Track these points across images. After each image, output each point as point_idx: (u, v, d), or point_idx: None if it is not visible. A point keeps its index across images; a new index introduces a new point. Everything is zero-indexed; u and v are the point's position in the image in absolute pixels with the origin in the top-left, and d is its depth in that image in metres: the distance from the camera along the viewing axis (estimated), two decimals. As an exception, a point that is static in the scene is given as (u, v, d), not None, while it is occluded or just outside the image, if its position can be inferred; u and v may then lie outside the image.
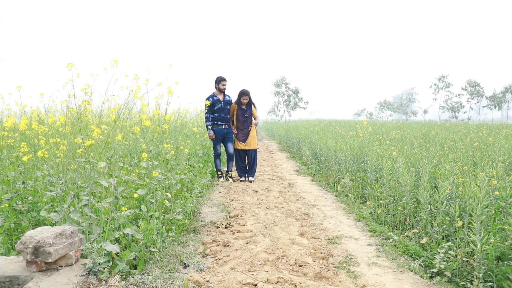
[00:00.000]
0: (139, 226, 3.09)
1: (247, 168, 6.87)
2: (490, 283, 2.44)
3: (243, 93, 6.61)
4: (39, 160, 3.48)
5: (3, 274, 2.21)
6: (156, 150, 4.25)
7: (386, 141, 7.55)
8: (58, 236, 2.30)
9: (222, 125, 6.57)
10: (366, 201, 4.99)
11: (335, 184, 6.09)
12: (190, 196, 4.52)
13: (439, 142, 7.65)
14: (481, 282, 2.45)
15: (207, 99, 6.49)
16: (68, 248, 2.35)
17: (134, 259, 2.78)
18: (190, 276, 2.61)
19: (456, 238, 2.98)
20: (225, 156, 7.21)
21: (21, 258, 2.39)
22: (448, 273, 2.65)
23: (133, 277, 2.53)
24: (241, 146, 6.74)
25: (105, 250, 2.51)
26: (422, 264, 2.92)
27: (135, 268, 2.73)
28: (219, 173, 6.77)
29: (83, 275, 2.31)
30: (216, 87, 6.57)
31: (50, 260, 2.21)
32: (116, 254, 2.66)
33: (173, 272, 2.69)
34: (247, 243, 3.40)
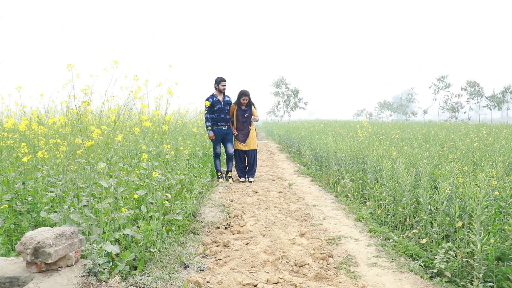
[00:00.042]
0: (139, 227, 3.09)
1: (247, 168, 6.87)
2: (490, 284, 2.45)
3: (243, 94, 6.61)
4: (39, 161, 3.48)
5: (3, 275, 2.21)
6: (156, 150, 4.25)
7: (386, 142, 7.55)
8: (58, 237, 2.30)
9: (221, 125, 6.58)
10: (366, 202, 4.99)
11: (335, 184, 6.09)
12: (190, 197, 4.52)
13: (438, 142, 7.66)
14: (481, 283, 2.46)
15: (207, 99, 6.49)
16: (68, 249, 2.35)
17: (134, 259, 2.78)
18: (190, 277, 2.61)
19: (456, 239, 2.98)
20: (225, 157, 7.21)
21: (21, 259, 2.39)
22: (448, 274, 2.65)
23: (133, 277, 2.53)
24: (241, 146, 6.74)
25: (105, 250, 2.51)
26: (422, 265, 2.92)
27: (135, 268, 2.73)
28: (219, 173, 6.77)
29: (83, 276, 2.31)
30: (216, 88, 6.57)
31: (50, 261, 2.21)
32: (116, 254, 2.66)
33: (173, 273, 2.69)
34: (247, 243, 3.40)
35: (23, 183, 3.29)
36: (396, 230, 3.86)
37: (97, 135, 2.91)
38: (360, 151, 6.29)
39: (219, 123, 6.56)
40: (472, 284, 2.54)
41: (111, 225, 2.85)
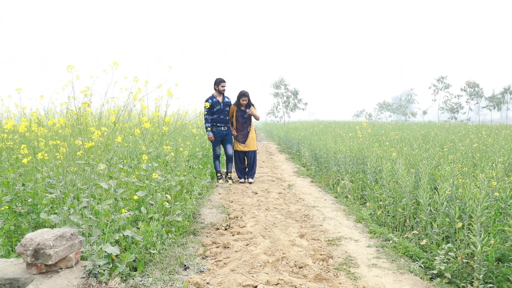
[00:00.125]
0: (139, 228, 3.09)
1: (247, 169, 6.87)
2: (490, 285, 2.45)
3: (242, 94, 6.61)
4: (38, 162, 3.47)
5: (3, 277, 2.20)
6: (156, 152, 4.25)
7: (385, 142, 7.55)
8: (58, 238, 2.30)
9: (221, 126, 6.58)
10: (365, 203, 5.00)
11: (335, 185, 6.09)
12: (190, 198, 4.52)
13: (438, 143, 7.66)
14: (481, 284, 2.46)
15: (206, 100, 6.50)
16: (68, 250, 2.35)
17: (134, 261, 2.78)
18: (190, 278, 2.61)
19: (456, 240, 2.98)
20: (225, 158, 7.21)
21: (21, 260, 2.39)
22: (448, 275, 2.65)
23: (133, 279, 2.53)
24: (240, 147, 6.75)
25: (105, 252, 2.51)
26: (422, 266, 2.92)
27: (135, 270, 2.73)
28: (219, 174, 6.77)
29: (83, 277, 2.30)
30: (215, 89, 6.57)
31: (50, 263, 2.21)
32: (116, 256, 2.66)
33: (173, 274, 2.69)
34: (247, 244, 3.40)
35: (23, 185, 3.29)
36: (396, 231, 3.86)
37: (97, 137, 2.91)
38: (360, 152, 6.29)
39: (218, 124, 6.56)
40: (472, 285, 2.54)
41: (111, 226, 2.85)
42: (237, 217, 4.32)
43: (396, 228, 3.93)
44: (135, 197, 3.21)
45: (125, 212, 2.94)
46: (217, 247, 3.35)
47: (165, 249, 3.13)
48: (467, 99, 42.52)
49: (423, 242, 3.25)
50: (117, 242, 2.88)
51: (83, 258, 2.54)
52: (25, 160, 2.95)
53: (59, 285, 2.17)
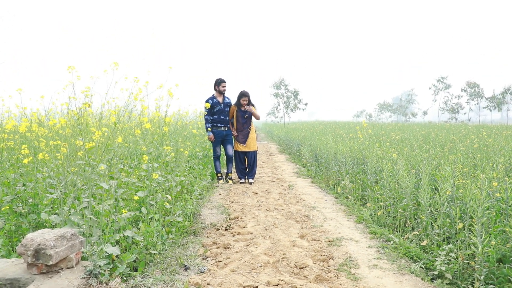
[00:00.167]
0: (139, 228, 3.09)
1: (247, 170, 6.87)
2: (491, 286, 2.44)
3: (243, 94, 6.62)
4: (39, 163, 3.48)
5: (4, 277, 2.20)
6: (156, 152, 4.26)
7: (386, 143, 7.55)
8: (59, 238, 2.30)
9: (221, 127, 6.59)
10: (366, 203, 4.99)
11: (335, 186, 6.09)
12: (190, 198, 4.52)
13: (439, 143, 7.66)
14: (482, 285, 2.45)
15: (207, 101, 6.51)
16: (68, 250, 2.35)
17: (135, 261, 2.78)
18: (191, 279, 2.61)
19: (457, 240, 2.98)
20: (225, 158, 7.21)
21: (22, 261, 2.39)
22: (449, 276, 2.65)
23: (133, 279, 2.53)
24: (241, 148, 6.75)
25: (106, 252, 2.51)
26: (423, 267, 2.91)
27: (136, 270, 2.73)
28: (219, 175, 6.77)
29: (84, 278, 2.30)
30: (216, 89, 6.58)
31: (51, 263, 2.21)
32: (117, 256, 2.66)
33: (173, 275, 2.69)
34: (248, 245, 3.40)
35: (24, 185, 3.29)
36: (397, 231, 3.86)
37: (97, 137, 2.92)
38: (360, 153, 6.29)
39: (218, 125, 6.57)
40: (473, 286, 2.53)
41: (111, 226, 2.85)
42: (237, 218, 4.32)
43: (396, 228, 3.93)
44: (136, 198, 3.21)
45: (126, 213, 2.94)
46: (218, 247, 3.35)
47: (166, 250, 3.13)
48: (468, 100, 42.51)
49: (424, 242, 3.25)
50: (117, 242, 2.88)
51: (83, 259, 2.54)
52: (25, 160, 2.95)
53: (59, 285, 2.17)
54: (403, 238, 3.56)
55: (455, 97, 43.75)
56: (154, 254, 2.94)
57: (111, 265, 2.53)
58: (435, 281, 2.68)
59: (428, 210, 3.39)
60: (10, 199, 2.99)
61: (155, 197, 3.63)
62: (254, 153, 6.82)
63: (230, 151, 6.74)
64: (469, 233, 2.87)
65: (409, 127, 17.15)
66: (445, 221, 3.17)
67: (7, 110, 4.91)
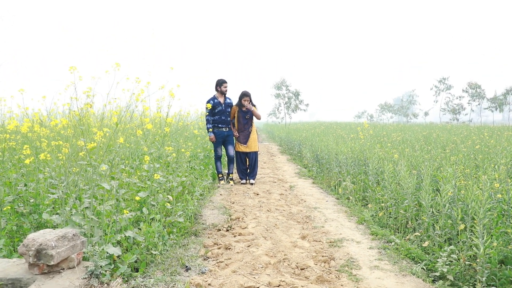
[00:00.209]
0: (140, 229, 3.09)
1: (248, 170, 6.87)
2: (493, 287, 2.44)
3: (244, 95, 6.63)
4: (41, 163, 3.48)
5: (6, 277, 2.21)
6: (158, 152, 4.26)
7: (387, 144, 7.54)
8: (60, 239, 2.30)
9: (222, 127, 6.59)
10: (367, 204, 4.99)
11: (336, 186, 6.08)
12: (191, 199, 4.52)
13: (440, 144, 7.64)
14: (484, 286, 2.45)
15: (208, 102, 6.52)
16: (70, 250, 2.35)
17: (136, 261, 2.78)
18: (192, 279, 2.61)
19: (459, 242, 2.97)
20: (226, 159, 7.22)
21: (23, 261, 2.39)
22: (450, 277, 2.64)
23: (134, 280, 2.53)
24: (242, 148, 6.75)
25: (107, 252, 2.51)
26: (425, 268, 2.91)
27: (137, 271, 2.73)
28: (220, 175, 6.77)
29: (85, 278, 2.30)
30: (218, 90, 6.58)
31: (52, 263, 2.21)
32: (118, 256, 2.66)
33: (174, 275, 2.69)
34: (249, 246, 3.40)
35: (25, 185, 3.30)
36: (398, 232, 3.85)
37: (99, 137, 2.92)
38: (362, 153, 6.28)
39: (220, 125, 6.57)
40: (475, 287, 2.53)
41: (112, 227, 2.85)
42: (238, 218, 4.32)
43: (398, 229, 3.92)
44: (137, 198, 3.22)
45: (127, 213, 2.94)
46: (219, 248, 3.35)
47: (167, 250, 3.13)
48: (469, 100, 42.42)
49: (425, 244, 3.24)
50: (118, 242, 2.88)
51: (85, 259, 2.55)
52: (27, 161, 2.96)
53: (61, 285, 2.17)
54: (405, 239, 3.55)
55: (457, 98, 43.68)
56: (155, 254, 2.94)
57: (112, 266, 2.53)
58: (436, 283, 2.67)
59: (429, 211, 3.39)
60: (12, 199, 3.00)
61: (157, 198, 3.63)
62: (255, 153, 6.82)
63: (231, 152, 6.74)
64: (471, 235, 2.87)
65: (411, 128, 17.12)
66: (446, 222, 3.17)
67: (9, 110, 4.92)
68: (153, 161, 3.96)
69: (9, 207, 2.91)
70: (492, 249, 2.52)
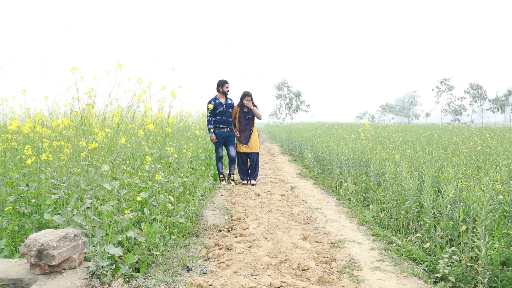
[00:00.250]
0: (141, 229, 3.09)
1: (249, 171, 6.87)
2: (494, 289, 2.43)
3: (246, 94, 6.65)
4: (42, 163, 3.49)
5: (7, 277, 2.21)
6: (159, 153, 4.26)
7: (388, 145, 7.53)
8: (62, 239, 2.31)
9: (224, 128, 6.60)
10: (368, 205, 4.98)
11: (338, 187, 6.07)
12: (193, 199, 4.52)
13: (442, 145, 7.63)
14: (485, 288, 2.44)
15: (209, 102, 6.52)
16: (71, 251, 2.35)
17: (137, 262, 2.78)
18: (193, 280, 2.61)
19: (460, 243, 2.96)
20: (227, 159, 7.23)
21: (25, 261, 2.40)
22: (452, 278, 2.64)
23: (136, 280, 2.53)
24: (243, 149, 6.75)
25: (108, 253, 2.51)
26: (426, 269, 2.90)
27: (138, 271, 2.73)
28: (221, 176, 6.77)
29: (86, 278, 2.31)
30: (220, 90, 6.59)
31: (53, 263, 2.21)
32: (119, 257, 2.67)
33: (175, 276, 2.69)
34: (250, 246, 3.39)
35: (27, 185, 3.30)
36: (399, 234, 3.85)
37: (100, 138, 2.92)
38: (363, 154, 6.27)
39: (221, 126, 6.58)
40: (476, 289, 2.52)
41: (114, 227, 2.86)
42: (239, 219, 4.32)
43: (399, 231, 3.92)
44: (138, 198, 3.22)
45: (128, 213, 2.95)
46: (220, 249, 3.35)
47: (168, 251, 3.13)
48: (471, 101, 42.35)
49: (427, 245, 3.24)
50: (120, 243, 2.88)
51: (86, 259, 2.55)
52: (29, 161, 2.97)
53: (62, 286, 2.17)
54: (406, 240, 3.54)
55: (458, 99, 43.61)
56: (156, 255, 2.94)
57: (114, 266, 2.53)
58: (438, 284, 2.66)
59: (431, 212, 3.38)
60: (13, 199, 3.00)
61: (158, 198, 3.63)
62: (257, 154, 6.82)
63: (233, 152, 6.75)
64: (473, 236, 2.86)
65: (412, 129, 17.09)
66: (448, 224, 3.16)
67: (10, 110, 4.93)
68: (155, 161, 3.96)
69: (11, 207, 2.92)
70: (494, 250, 2.51)
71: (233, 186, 6.52)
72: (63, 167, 3.01)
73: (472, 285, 2.59)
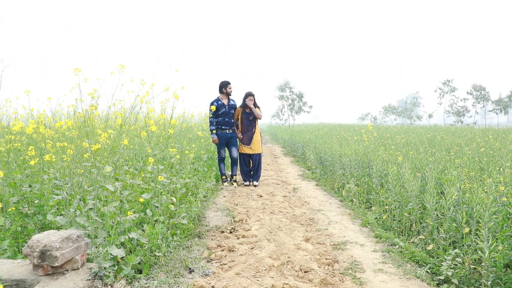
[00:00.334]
0: (144, 230, 3.10)
1: (252, 172, 6.87)
2: (498, 291, 2.41)
3: (248, 94, 6.66)
4: (45, 164, 3.50)
5: (10, 278, 2.22)
6: (161, 154, 4.27)
7: (391, 146, 7.51)
8: (65, 240, 2.31)
9: (226, 129, 6.60)
10: (371, 207, 4.97)
11: (340, 189, 6.06)
12: (195, 200, 4.52)
13: (444, 147, 7.60)
14: (489, 290, 2.42)
15: (212, 103, 6.53)
16: (74, 252, 2.36)
17: (139, 263, 2.78)
18: (195, 281, 2.61)
19: (463, 245, 2.95)
20: (229, 161, 7.23)
21: (27, 262, 2.40)
22: (455, 281, 2.62)
23: (138, 281, 2.53)
24: (245, 150, 6.75)
25: (111, 254, 2.52)
26: (429, 271, 2.89)
27: (140, 272, 2.73)
28: (224, 177, 6.77)
29: (89, 280, 2.31)
30: (223, 91, 6.60)
31: (56, 264, 2.22)
32: (122, 258, 2.67)
33: (178, 277, 2.69)
34: (252, 248, 3.39)
35: (30, 186, 3.31)
36: (402, 235, 3.83)
37: (103, 139, 2.93)
38: (365, 156, 6.26)
39: (223, 127, 6.58)
40: (480, 291, 2.51)
41: (116, 228, 2.86)
42: (242, 220, 4.32)
43: (402, 232, 3.90)
44: (141, 200, 3.22)
45: (131, 214, 2.95)
46: (222, 250, 3.35)
47: (170, 252, 3.13)
48: (474, 103, 42.19)
49: (430, 247, 3.22)
50: (122, 244, 2.88)
51: (89, 260, 2.55)
52: (32, 162, 2.98)
53: (65, 287, 2.18)
54: (409, 242, 3.53)
55: (461, 100, 43.46)
56: (158, 256, 2.94)
57: (116, 267, 2.53)
58: (441, 286, 2.65)
59: (434, 214, 3.37)
60: (17, 200, 3.01)
61: (160, 199, 3.64)
62: (259, 155, 6.82)
63: (235, 154, 6.75)
64: (476, 238, 2.84)
65: (415, 130, 17.05)
66: (451, 226, 3.15)
67: (14, 111, 4.95)
68: (157, 162, 3.97)
69: (14, 208, 2.93)
70: (497, 252, 2.50)
71: (235, 187, 6.52)
72: (66, 168, 3.02)
73: (476, 288, 2.57)
